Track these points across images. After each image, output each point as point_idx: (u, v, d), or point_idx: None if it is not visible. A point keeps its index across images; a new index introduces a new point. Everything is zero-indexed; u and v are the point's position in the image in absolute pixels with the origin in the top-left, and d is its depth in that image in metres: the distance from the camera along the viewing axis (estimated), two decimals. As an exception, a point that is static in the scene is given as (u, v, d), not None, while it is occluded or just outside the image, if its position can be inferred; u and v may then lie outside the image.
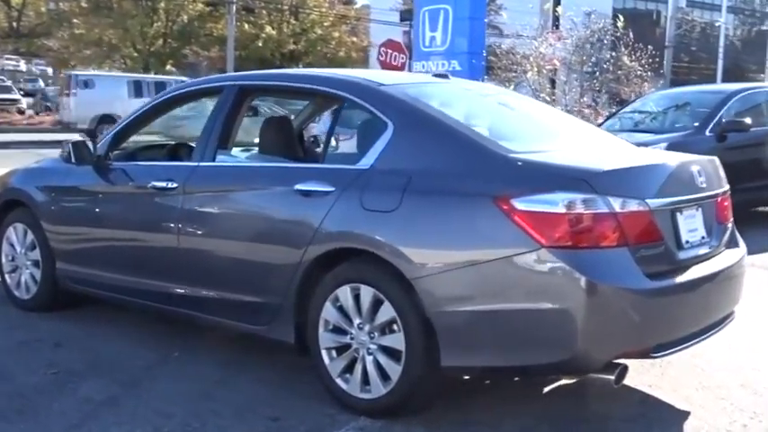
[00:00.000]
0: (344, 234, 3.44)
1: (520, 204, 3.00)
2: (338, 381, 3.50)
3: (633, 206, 3.04)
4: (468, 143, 3.34)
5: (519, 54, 13.93)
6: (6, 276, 5.27)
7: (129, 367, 4.09)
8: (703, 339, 3.37)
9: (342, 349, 3.50)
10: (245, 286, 3.85)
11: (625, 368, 3.07)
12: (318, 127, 7.29)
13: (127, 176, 4.51)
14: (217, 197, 4.04)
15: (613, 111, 12.76)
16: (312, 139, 5.14)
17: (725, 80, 42.26)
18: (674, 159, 3.45)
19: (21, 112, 34.44)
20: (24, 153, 16.14)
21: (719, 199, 3.65)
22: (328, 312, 3.51)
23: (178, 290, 4.14)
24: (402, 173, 3.33)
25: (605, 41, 14.81)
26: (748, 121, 8.90)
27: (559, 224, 2.95)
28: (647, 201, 3.11)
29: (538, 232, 2.96)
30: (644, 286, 3.02)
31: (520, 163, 3.18)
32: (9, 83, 40.58)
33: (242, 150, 4.52)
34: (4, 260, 5.27)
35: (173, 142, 5.18)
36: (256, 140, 4.55)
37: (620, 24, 15.96)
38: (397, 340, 3.28)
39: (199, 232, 4.04)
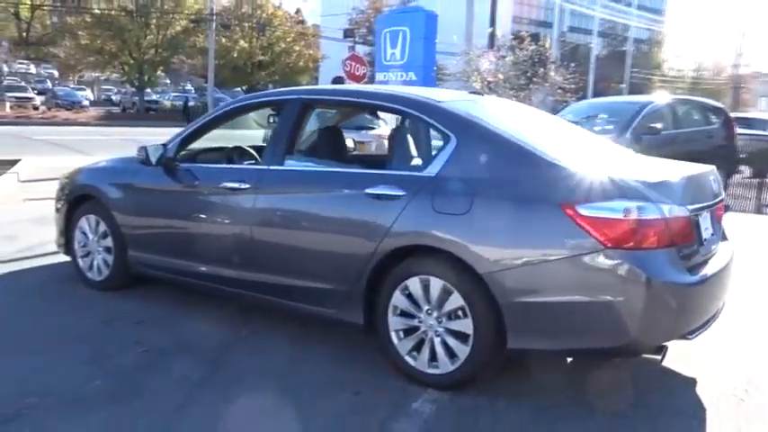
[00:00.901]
0: (417, 233, 3.18)
1: (584, 210, 2.80)
2: (406, 358, 3.28)
3: (677, 212, 2.88)
4: (526, 154, 3.10)
5: (471, 69, 13.87)
6: (80, 260, 4.84)
7: (209, 345, 3.76)
8: (714, 321, 3.24)
9: (409, 331, 3.27)
10: (317, 275, 3.56)
11: (667, 349, 2.91)
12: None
13: (198, 177, 4.15)
14: (288, 197, 3.72)
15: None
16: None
17: (594, 90, 43.47)
18: (700, 170, 3.27)
19: (35, 108, 33.37)
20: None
21: (720, 201, 3.50)
22: (398, 299, 3.27)
23: (249, 276, 3.83)
24: (469, 180, 3.10)
25: (536, 60, 14.89)
26: (659, 125, 9.02)
27: (620, 228, 2.76)
28: (687, 207, 2.94)
29: (601, 235, 2.76)
30: (686, 280, 2.86)
31: (579, 173, 2.96)
32: (23, 84, 39.53)
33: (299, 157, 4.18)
34: (77, 246, 4.84)
35: (229, 146, 4.79)
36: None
37: (547, 45, 15.95)
38: (465, 325, 3.06)
39: (271, 227, 3.73)
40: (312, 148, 4.35)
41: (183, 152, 4.34)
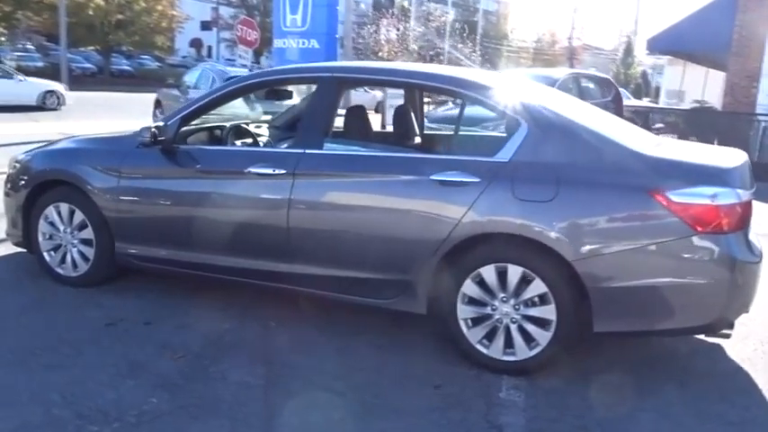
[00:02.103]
0: (497, 220, 3.06)
1: (674, 197, 2.84)
2: (478, 346, 3.19)
3: (746, 196, 2.99)
4: (608, 143, 3.09)
5: (382, 38, 13.68)
6: (45, 254, 4.18)
7: (246, 343, 3.43)
8: None
9: (480, 319, 3.17)
10: (373, 265, 3.33)
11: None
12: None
13: (215, 160, 3.72)
14: (336, 183, 3.41)
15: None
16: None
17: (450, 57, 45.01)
18: (744, 156, 3.41)
19: None
20: None
21: None
22: (469, 288, 3.15)
23: (286, 269, 3.51)
24: (549, 166, 3.02)
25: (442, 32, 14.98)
26: None
27: (710, 213, 2.83)
28: (749, 191, 3.08)
29: (692, 220, 2.82)
30: (755, 259, 3.00)
31: (661, 161, 3.00)
32: None
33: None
34: (41, 239, 4.17)
35: (225, 126, 4.32)
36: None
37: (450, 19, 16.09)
38: (547, 311, 3.02)
39: (314, 215, 3.44)
40: (346, 129, 4.03)
41: (180, 132, 3.86)
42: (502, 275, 3.09)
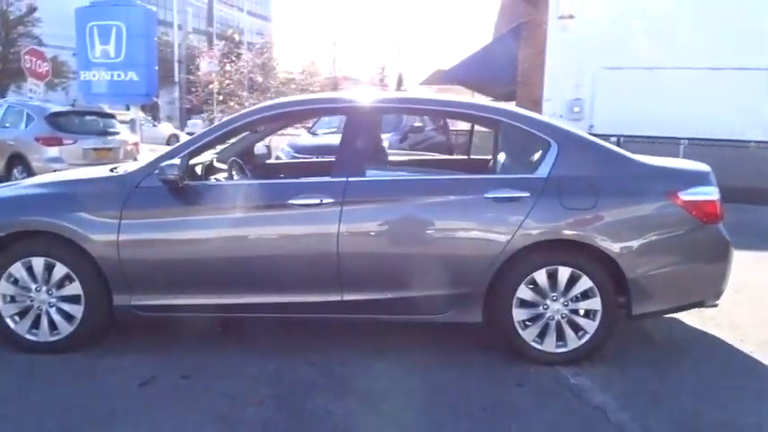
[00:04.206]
0: (551, 229, 3.42)
1: (684, 196, 3.48)
2: (533, 344, 3.51)
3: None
4: (620, 155, 3.64)
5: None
6: (9, 320, 3.54)
7: (308, 378, 3.33)
8: None
9: (533, 319, 3.50)
10: (430, 283, 3.46)
11: None
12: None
13: (242, 194, 3.52)
14: (389, 207, 3.48)
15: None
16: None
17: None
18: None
19: None
20: None
21: None
22: (523, 292, 3.47)
23: (335, 298, 3.47)
24: (586, 179, 3.49)
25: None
26: (421, 124, 10.38)
27: (711, 207, 3.52)
28: (716, 188, 3.85)
29: (698, 213, 3.49)
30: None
31: (664, 167, 3.64)
32: None
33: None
34: (1, 303, 3.53)
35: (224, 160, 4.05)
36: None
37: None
38: (593, 304, 3.46)
39: (367, 241, 3.46)
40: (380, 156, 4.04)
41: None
42: (552, 277, 3.46)
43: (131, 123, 12.43)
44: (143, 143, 12.55)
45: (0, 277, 3.51)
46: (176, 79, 40.60)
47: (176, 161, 3.42)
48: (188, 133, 19.36)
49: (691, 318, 4.33)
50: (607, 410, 3.03)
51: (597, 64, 12.94)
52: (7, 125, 10.26)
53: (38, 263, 3.50)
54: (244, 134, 4.30)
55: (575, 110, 13.11)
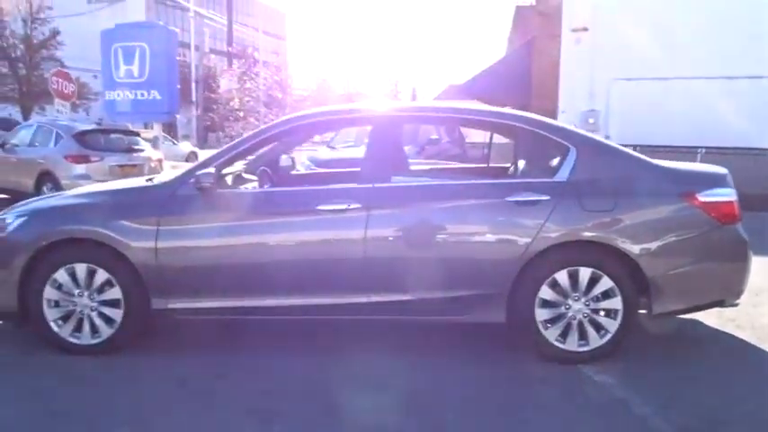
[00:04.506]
0: (572, 230, 3.53)
1: (702, 197, 3.58)
2: (556, 343, 3.61)
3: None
4: (636, 159, 3.76)
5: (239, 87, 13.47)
6: (52, 324, 3.71)
7: (337, 379, 3.45)
8: None
9: (555, 319, 3.60)
10: (451, 285, 3.58)
11: None
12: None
13: (274, 201, 3.71)
14: (414, 212, 3.62)
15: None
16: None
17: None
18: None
19: None
20: None
21: None
22: (545, 292, 3.58)
23: (361, 299, 3.60)
24: (601, 181, 3.60)
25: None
26: (436, 136, 10.56)
27: (729, 208, 3.62)
28: (733, 190, 3.93)
29: (717, 214, 3.59)
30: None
31: (679, 170, 3.75)
32: None
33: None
34: (46, 308, 3.70)
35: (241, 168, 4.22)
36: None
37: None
38: (614, 303, 3.55)
39: (395, 244, 3.59)
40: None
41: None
42: (573, 278, 3.57)
43: (154, 141, 12.71)
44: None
45: (45, 283, 3.69)
46: (193, 99, 41.28)
47: (211, 170, 3.59)
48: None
49: (711, 319, 4.40)
50: (630, 404, 3.13)
51: (611, 75, 13.07)
52: (36, 144, 10.56)
53: (81, 269, 3.68)
54: (270, 146, 4.47)
55: (590, 121, 13.20)
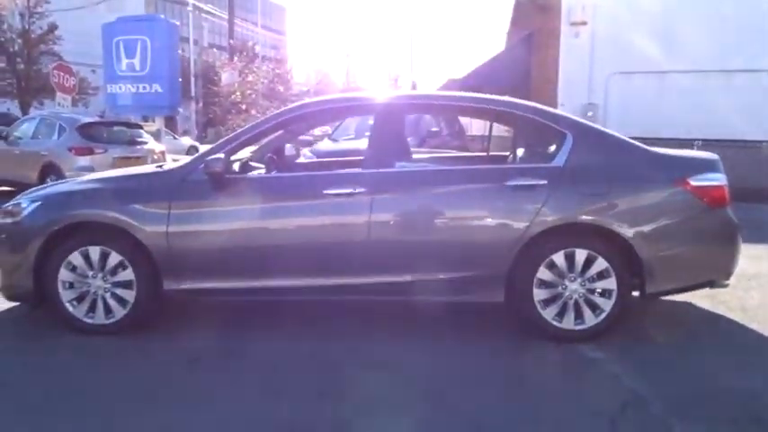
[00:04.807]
0: (569, 213, 3.68)
1: (694, 182, 3.74)
2: (553, 322, 3.76)
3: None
4: (630, 145, 3.90)
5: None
6: (68, 305, 3.86)
7: (344, 358, 3.60)
8: None
9: (552, 299, 3.75)
10: (456, 266, 3.73)
11: None
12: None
13: (282, 186, 3.86)
14: (415, 197, 3.78)
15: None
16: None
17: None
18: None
19: None
20: None
21: None
22: (543, 273, 3.72)
23: (367, 280, 3.74)
24: (596, 166, 3.75)
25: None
26: (436, 129, 10.75)
27: (719, 192, 3.78)
28: (722, 175, 4.09)
29: (708, 198, 3.74)
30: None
31: (672, 156, 3.89)
32: None
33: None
34: (61, 289, 3.85)
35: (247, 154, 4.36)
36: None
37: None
38: (608, 283, 3.70)
39: (399, 227, 3.75)
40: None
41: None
42: (569, 259, 3.71)
43: (156, 133, 12.84)
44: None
45: (60, 265, 3.84)
46: (192, 93, 41.39)
47: (221, 155, 3.74)
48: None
49: (703, 301, 4.56)
50: (623, 378, 3.28)
51: (610, 69, 13.19)
52: (40, 136, 10.68)
53: (94, 251, 3.82)
54: (276, 134, 4.61)
55: (588, 114, 13.32)
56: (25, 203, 3.99)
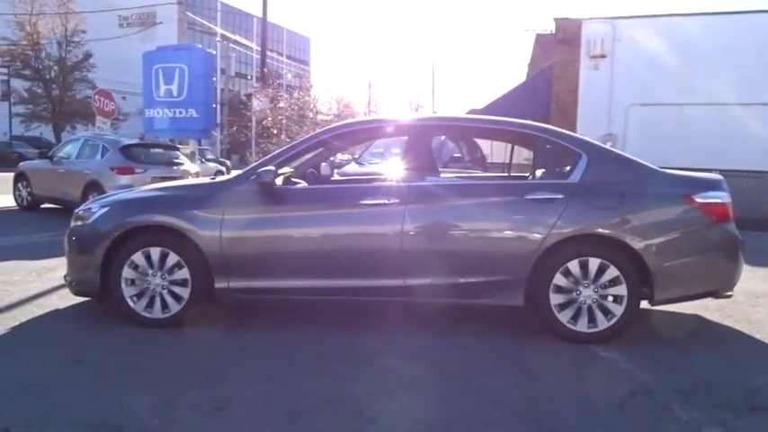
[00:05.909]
0: (584, 225, 4.07)
1: (699, 199, 4.11)
2: (568, 325, 4.12)
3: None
4: (640, 165, 4.29)
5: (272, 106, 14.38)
6: (129, 300, 4.31)
7: (377, 350, 3.98)
8: None
9: (567, 303, 4.11)
10: (481, 271, 4.11)
11: None
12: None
13: (326, 197, 4.32)
14: (445, 207, 4.19)
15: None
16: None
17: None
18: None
19: None
20: None
21: None
22: (559, 279, 4.10)
23: (398, 283, 4.14)
24: (609, 183, 4.15)
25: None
26: (459, 155, 11.15)
27: (723, 209, 4.14)
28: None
29: (712, 214, 4.11)
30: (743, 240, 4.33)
31: (680, 175, 4.28)
32: None
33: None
34: (124, 285, 4.30)
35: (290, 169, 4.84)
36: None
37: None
38: (620, 290, 4.06)
39: (429, 235, 4.15)
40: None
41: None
42: (584, 267, 4.08)
43: (191, 156, 13.44)
44: (196, 176, 13.63)
45: (124, 264, 4.29)
46: (218, 121, 42.58)
47: (272, 167, 4.20)
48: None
49: (711, 314, 4.88)
50: (633, 373, 3.63)
51: (628, 101, 13.61)
52: (83, 157, 11.32)
53: (155, 252, 4.28)
54: (316, 152, 5.07)
55: (607, 144, 13.71)
56: (95, 208, 4.47)
